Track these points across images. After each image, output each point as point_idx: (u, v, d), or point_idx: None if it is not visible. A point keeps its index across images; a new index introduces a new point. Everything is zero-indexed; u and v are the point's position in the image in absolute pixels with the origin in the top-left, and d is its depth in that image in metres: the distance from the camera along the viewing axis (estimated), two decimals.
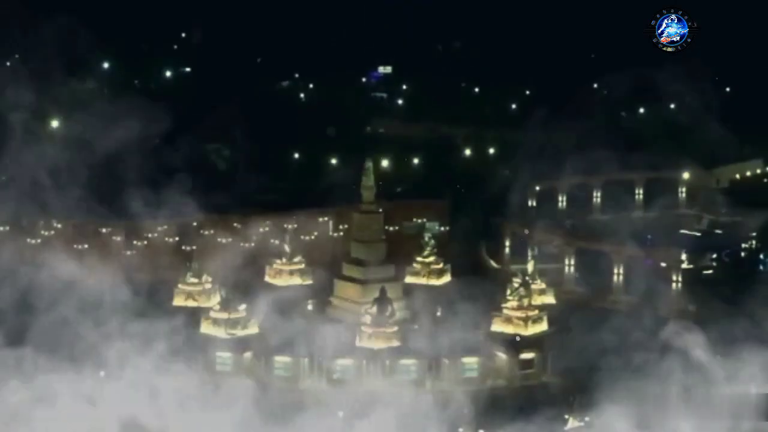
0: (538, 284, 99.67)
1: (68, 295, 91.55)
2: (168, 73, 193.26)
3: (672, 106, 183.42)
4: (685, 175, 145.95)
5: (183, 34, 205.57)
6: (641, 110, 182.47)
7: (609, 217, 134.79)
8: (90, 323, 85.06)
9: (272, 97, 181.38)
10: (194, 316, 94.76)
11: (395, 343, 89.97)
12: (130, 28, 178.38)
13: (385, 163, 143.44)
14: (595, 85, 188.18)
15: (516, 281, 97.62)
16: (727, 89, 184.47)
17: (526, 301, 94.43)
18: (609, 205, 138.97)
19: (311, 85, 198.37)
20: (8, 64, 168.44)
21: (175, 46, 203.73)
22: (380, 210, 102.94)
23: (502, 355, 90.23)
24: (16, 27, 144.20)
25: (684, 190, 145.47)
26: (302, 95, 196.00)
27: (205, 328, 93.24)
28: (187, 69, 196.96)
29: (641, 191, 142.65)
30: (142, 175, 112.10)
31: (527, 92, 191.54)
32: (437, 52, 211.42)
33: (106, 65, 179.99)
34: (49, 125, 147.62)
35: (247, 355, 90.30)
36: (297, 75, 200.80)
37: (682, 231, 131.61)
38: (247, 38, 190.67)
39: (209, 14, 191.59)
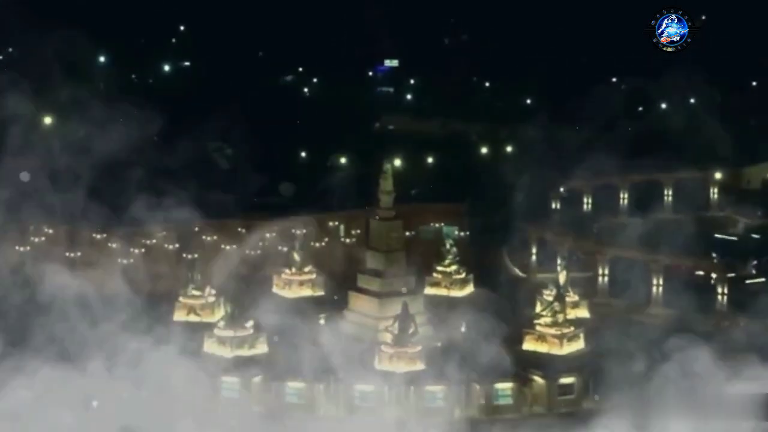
0: (571, 296, 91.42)
1: (58, 309, 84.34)
2: (166, 68, 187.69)
3: (693, 101, 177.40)
4: (717, 175, 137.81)
5: (182, 27, 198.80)
6: (663, 106, 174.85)
7: (637, 220, 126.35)
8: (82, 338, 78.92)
9: (275, 92, 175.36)
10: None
11: (419, 366, 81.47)
12: (126, 21, 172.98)
13: (397, 162, 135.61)
14: (614, 79, 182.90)
15: (547, 293, 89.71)
16: (754, 83, 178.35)
17: (561, 317, 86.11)
18: (636, 207, 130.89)
19: (315, 80, 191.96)
20: (1, 58, 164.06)
21: (174, 40, 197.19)
22: (399, 217, 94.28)
23: (539, 380, 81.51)
24: (10, 21, 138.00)
25: (715, 191, 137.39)
26: (306, 90, 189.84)
27: (209, 347, 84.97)
28: (187, 63, 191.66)
29: (670, 192, 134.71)
30: (139, 176, 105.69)
31: (541, 87, 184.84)
32: (445, 45, 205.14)
33: (102, 60, 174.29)
34: (41, 123, 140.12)
35: (257, 379, 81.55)
36: (300, 69, 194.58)
37: (717, 235, 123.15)
38: (248, 31, 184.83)
39: (209, 6, 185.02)
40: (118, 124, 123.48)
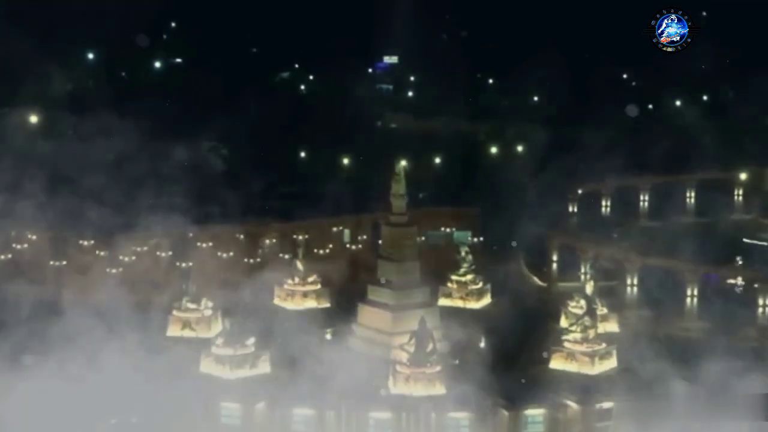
0: (599, 308, 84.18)
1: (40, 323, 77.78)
2: (157, 65, 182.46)
3: (705, 98, 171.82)
4: (742, 176, 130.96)
5: (173, 24, 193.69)
6: (678, 103, 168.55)
7: (659, 224, 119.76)
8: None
9: (271, 90, 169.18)
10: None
11: (440, 389, 73.89)
12: (115, 16, 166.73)
13: (403, 163, 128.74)
14: (625, 76, 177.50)
15: (573, 305, 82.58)
16: None
17: (591, 333, 78.72)
18: (658, 210, 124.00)
19: (311, 77, 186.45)
20: None
21: (165, 36, 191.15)
22: (414, 223, 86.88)
23: (573, 404, 73.78)
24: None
25: (740, 192, 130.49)
26: (303, 87, 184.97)
27: (206, 366, 77.42)
28: (178, 60, 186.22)
29: (692, 194, 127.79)
30: (129, 179, 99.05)
31: (548, 83, 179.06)
32: (444, 41, 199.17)
33: (90, 56, 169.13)
34: (26, 121, 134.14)
35: (260, 405, 73.84)
36: (297, 65, 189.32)
37: (746, 240, 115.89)
38: (241, 27, 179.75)
39: (200, 2, 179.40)
40: (107, 123, 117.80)
